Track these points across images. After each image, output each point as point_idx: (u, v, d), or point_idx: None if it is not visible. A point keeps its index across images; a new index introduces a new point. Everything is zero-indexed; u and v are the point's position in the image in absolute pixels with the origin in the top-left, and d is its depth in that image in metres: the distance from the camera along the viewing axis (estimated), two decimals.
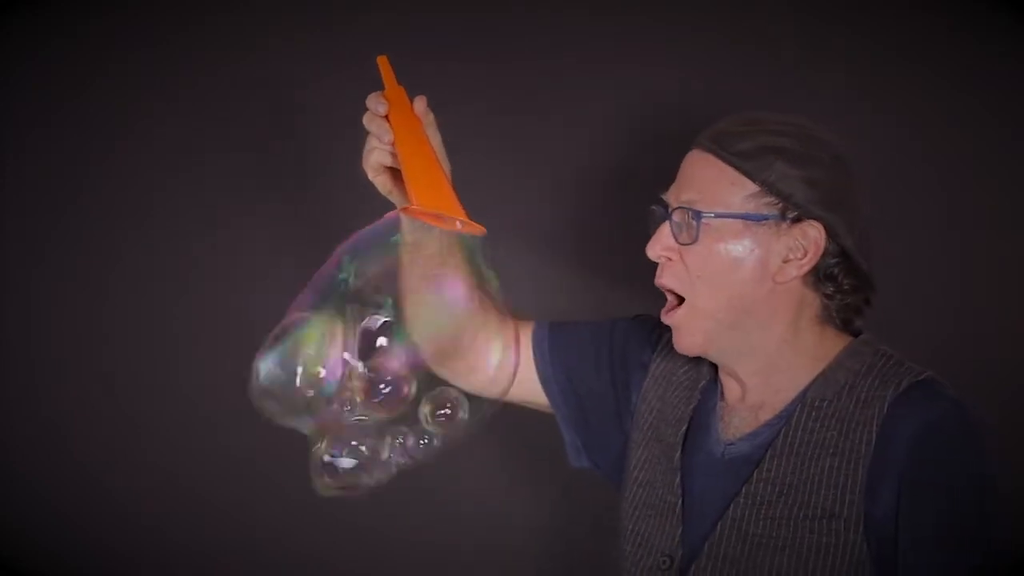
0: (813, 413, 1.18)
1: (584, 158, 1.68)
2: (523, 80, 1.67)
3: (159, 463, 1.72)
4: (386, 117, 1.17)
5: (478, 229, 1.13)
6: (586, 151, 1.68)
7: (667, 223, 1.21)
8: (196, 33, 1.68)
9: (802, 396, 1.20)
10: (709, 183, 1.18)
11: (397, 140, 1.16)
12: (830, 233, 1.17)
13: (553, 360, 1.37)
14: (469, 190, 1.67)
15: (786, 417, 1.19)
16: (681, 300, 1.22)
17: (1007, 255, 1.62)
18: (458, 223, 1.12)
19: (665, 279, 1.22)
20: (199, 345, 1.71)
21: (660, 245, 1.21)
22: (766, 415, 1.21)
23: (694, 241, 1.18)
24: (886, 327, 1.66)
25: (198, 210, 1.69)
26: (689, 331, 1.21)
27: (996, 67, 1.59)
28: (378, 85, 1.21)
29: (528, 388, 1.38)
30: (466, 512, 1.74)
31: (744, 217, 1.17)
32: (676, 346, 1.23)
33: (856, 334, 1.25)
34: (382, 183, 1.24)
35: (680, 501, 1.23)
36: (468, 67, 1.67)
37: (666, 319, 1.24)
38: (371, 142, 1.20)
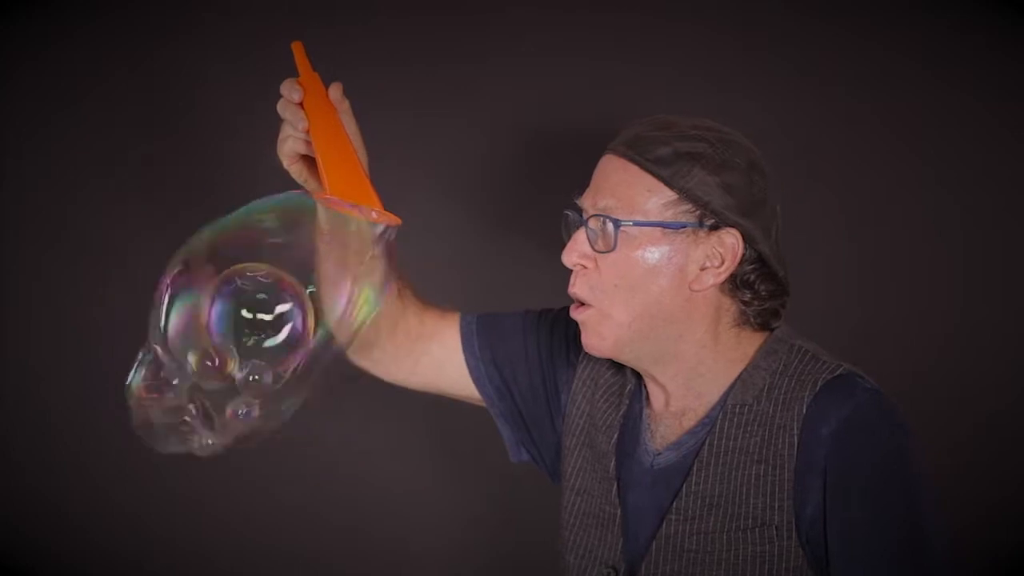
0: (735, 419, 1.16)
1: (583, 155, 1.67)
2: (523, 78, 1.67)
3: (159, 463, 1.71)
4: (300, 104, 1.14)
5: (393, 219, 1.10)
6: (586, 148, 1.67)
7: (583, 230, 1.17)
8: (197, 34, 1.68)
9: (723, 402, 1.17)
10: (626, 190, 1.15)
11: (312, 128, 1.13)
12: (747, 240, 1.15)
13: (483, 355, 1.34)
14: (468, 187, 1.69)
15: (709, 425, 1.17)
16: None
17: (1007, 255, 1.62)
18: (373, 213, 1.09)
19: (578, 288, 1.18)
20: None
21: (576, 253, 1.17)
22: (689, 422, 1.19)
23: (611, 249, 1.15)
24: (887, 327, 1.66)
25: (198, 210, 1.69)
26: (598, 333, 1.18)
27: (996, 67, 1.59)
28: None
29: (459, 383, 1.35)
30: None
31: (662, 225, 1.14)
32: (584, 345, 1.20)
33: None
34: (297, 171, 1.20)
35: (619, 512, 1.21)
36: (465, 66, 1.67)
37: (575, 314, 1.20)
38: (285, 130, 1.16)
